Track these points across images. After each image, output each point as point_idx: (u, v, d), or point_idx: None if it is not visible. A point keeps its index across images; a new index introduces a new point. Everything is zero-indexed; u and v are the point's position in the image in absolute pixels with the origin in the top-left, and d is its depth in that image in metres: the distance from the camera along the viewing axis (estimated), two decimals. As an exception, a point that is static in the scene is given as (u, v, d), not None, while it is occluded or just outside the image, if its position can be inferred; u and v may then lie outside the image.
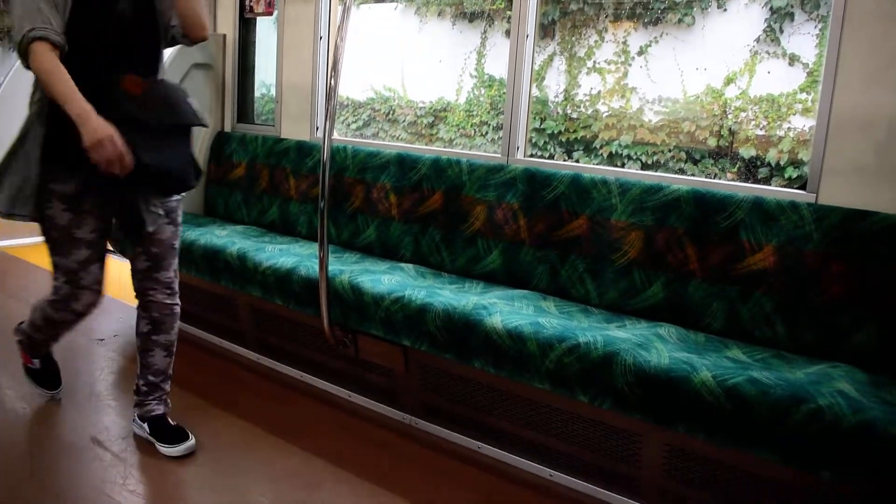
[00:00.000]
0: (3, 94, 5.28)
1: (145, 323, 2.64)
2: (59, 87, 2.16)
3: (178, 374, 3.30)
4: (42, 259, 5.14)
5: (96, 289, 2.48)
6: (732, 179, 7.10)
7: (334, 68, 2.72)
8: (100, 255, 2.49)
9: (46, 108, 2.28)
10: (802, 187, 2.60)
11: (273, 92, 4.30)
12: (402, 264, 3.23)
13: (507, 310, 2.57)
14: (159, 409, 2.69)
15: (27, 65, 2.21)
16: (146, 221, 2.47)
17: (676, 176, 3.06)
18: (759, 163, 7.13)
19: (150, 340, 2.65)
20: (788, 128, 7.02)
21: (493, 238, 3.09)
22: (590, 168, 3.09)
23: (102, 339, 3.70)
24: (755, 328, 2.50)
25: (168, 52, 4.15)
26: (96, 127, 2.15)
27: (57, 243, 2.41)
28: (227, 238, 3.49)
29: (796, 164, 6.89)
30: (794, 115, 6.99)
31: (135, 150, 2.21)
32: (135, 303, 2.68)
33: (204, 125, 2.52)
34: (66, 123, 2.17)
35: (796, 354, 2.37)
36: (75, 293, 2.44)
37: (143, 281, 2.60)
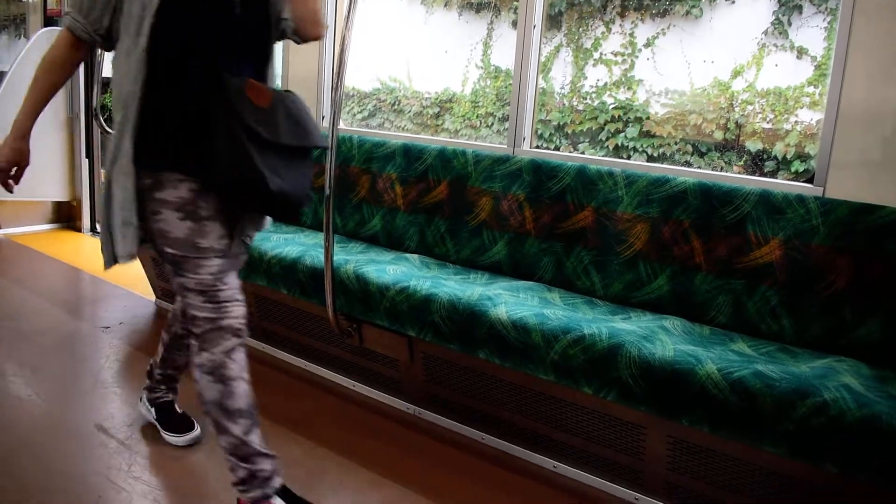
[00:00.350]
0: (10, 80, 5.28)
1: (182, 326, 2.46)
2: (35, 87, 2.10)
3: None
4: (48, 247, 5.19)
5: (239, 298, 2.10)
6: (739, 173, 7.08)
7: (340, 59, 2.71)
8: (233, 263, 2.14)
9: (135, 119, 1.96)
10: (809, 181, 2.60)
11: (279, 82, 4.30)
12: (408, 255, 3.23)
13: (511, 301, 2.57)
14: (168, 396, 2.68)
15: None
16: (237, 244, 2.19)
17: (683, 168, 3.06)
18: (765, 156, 7.10)
19: (183, 344, 2.51)
20: (795, 121, 6.99)
21: (499, 229, 3.09)
22: (596, 160, 3.08)
23: (108, 327, 3.71)
24: (761, 322, 2.50)
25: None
26: (5, 151, 2.20)
27: (180, 260, 2.02)
28: (233, 227, 3.49)
29: (803, 157, 6.87)
30: (802, 108, 6.96)
31: (259, 174, 1.91)
32: (141, 291, 2.67)
33: (327, 147, 2.30)
34: (163, 120, 1.96)
35: (802, 348, 2.37)
36: (218, 310, 2.04)
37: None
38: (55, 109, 5.56)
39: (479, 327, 2.48)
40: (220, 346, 2.03)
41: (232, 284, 2.07)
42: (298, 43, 2.19)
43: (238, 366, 2.06)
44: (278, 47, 4.16)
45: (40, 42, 5.43)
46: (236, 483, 2.05)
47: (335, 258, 2.91)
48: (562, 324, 2.36)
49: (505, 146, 3.25)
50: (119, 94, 1.98)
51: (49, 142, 5.58)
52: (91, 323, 3.82)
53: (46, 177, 5.63)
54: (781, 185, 2.62)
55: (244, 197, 2.00)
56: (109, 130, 4.13)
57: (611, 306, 2.70)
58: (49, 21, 5.94)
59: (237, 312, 2.07)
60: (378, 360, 3.00)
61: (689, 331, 2.46)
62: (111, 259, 2.05)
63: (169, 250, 2.00)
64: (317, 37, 2.16)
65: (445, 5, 8.74)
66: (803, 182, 2.64)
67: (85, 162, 5.70)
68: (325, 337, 3.16)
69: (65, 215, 5.89)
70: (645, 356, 2.18)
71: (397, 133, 6.55)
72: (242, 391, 2.06)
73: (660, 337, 2.30)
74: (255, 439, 2.05)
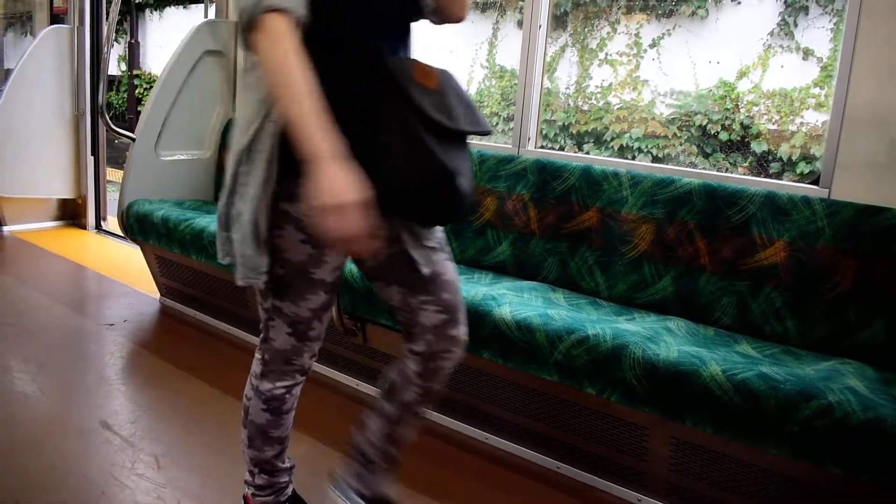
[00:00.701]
0: (16, 77, 5.31)
1: (417, 392, 1.89)
2: (292, 89, 1.44)
3: (187, 359, 3.33)
4: (53, 244, 5.20)
5: (321, 338, 1.88)
6: (744, 174, 7.07)
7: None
8: (333, 299, 1.84)
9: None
10: (815, 182, 2.59)
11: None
12: (412, 254, 3.22)
13: (516, 301, 2.57)
14: (388, 488, 2.07)
15: (249, 46, 1.51)
16: (419, 262, 1.75)
17: (688, 169, 3.06)
18: (770, 157, 7.10)
19: (414, 413, 1.94)
20: (801, 122, 6.99)
21: (503, 229, 3.09)
22: (601, 160, 3.08)
23: (112, 325, 3.72)
24: (765, 323, 2.49)
25: (180, 39, 4.18)
26: (339, 182, 1.43)
27: (286, 285, 1.72)
28: (237, 226, 3.49)
29: (808, 159, 6.86)
30: (808, 109, 6.96)
31: (448, 173, 1.56)
32: (145, 288, 2.64)
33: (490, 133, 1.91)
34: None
35: (806, 350, 2.37)
36: (299, 348, 1.83)
37: (437, 341, 1.81)
38: (61, 107, 5.58)
39: (483, 327, 2.48)
40: (285, 382, 1.87)
41: (325, 321, 1.84)
42: (437, 24, 1.87)
43: (294, 399, 1.92)
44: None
45: (47, 40, 5.45)
46: (251, 485, 2.00)
47: (339, 257, 2.91)
48: (566, 324, 2.36)
49: (510, 146, 3.25)
50: (254, 99, 1.59)
51: (55, 139, 5.59)
52: (95, 320, 3.83)
53: (52, 174, 5.65)
54: (787, 186, 2.62)
55: (424, 204, 1.62)
56: (115, 128, 4.17)
57: (615, 307, 2.69)
58: (55, 19, 5.96)
59: (315, 351, 1.88)
60: (382, 360, 3.00)
61: (694, 332, 2.45)
62: (248, 275, 1.67)
63: (278, 270, 1.69)
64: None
65: (450, 5, 8.74)
66: (809, 184, 2.64)
67: (90, 159, 5.72)
68: (329, 336, 3.15)
69: (70, 212, 5.90)
70: (649, 357, 2.17)
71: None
72: (289, 422, 1.95)
73: (664, 338, 2.30)
74: (283, 458, 2.00)
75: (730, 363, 2.11)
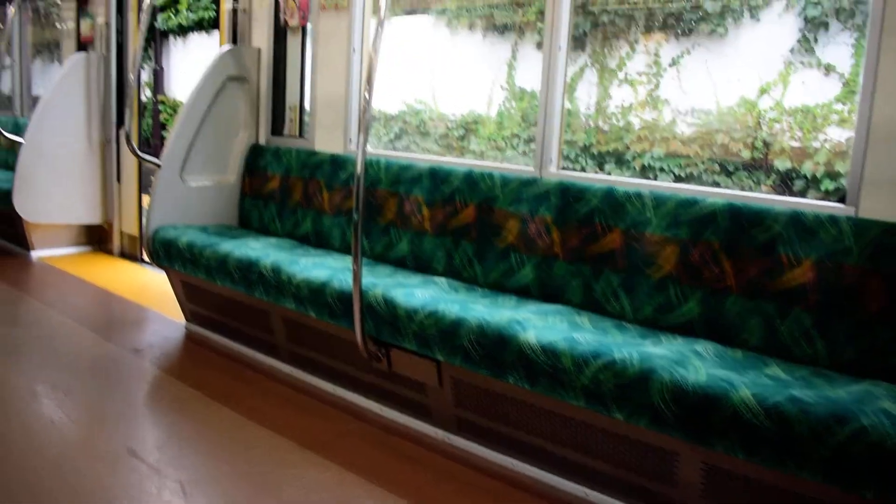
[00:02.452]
0: (46, 104, 5.40)
1: None
2: None
3: (213, 385, 3.34)
4: (80, 269, 5.26)
5: None
6: (767, 192, 7.02)
7: (368, 81, 2.73)
8: None
9: None
10: (841, 200, 2.56)
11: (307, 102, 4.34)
12: (435, 278, 3.22)
13: (541, 325, 2.55)
14: None
15: None
16: None
17: (712, 189, 3.03)
18: (794, 175, 7.03)
19: None
20: (824, 139, 6.92)
21: (527, 252, 3.08)
22: (624, 181, 3.06)
23: (138, 350, 3.75)
24: (794, 345, 2.46)
25: (205, 65, 4.23)
26: None
27: None
28: (262, 250, 3.52)
29: (833, 176, 6.79)
30: (831, 126, 6.89)
31: None
32: (171, 313, 2.65)
33: None
34: None
35: (837, 372, 2.33)
36: None
37: None
38: (88, 133, 5.67)
39: (509, 352, 2.47)
40: None
41: None
42: None
43: None
44: (306, 69, 4.20)
45: (74, 67, 5.55)
46: None
47: (363, 281, 2.91)
48: (592, 348, 2.34)
49: (531, 168, 3.25)
50: None
51: (82, 166, 5.68)
52: (122, 345, 3.85)
53: (79, 200, 5.73)
54: (812, 205, 2.59)
55: None
56: (141, 155, 4.22)
57: (641, 330, 2.67)
58: (82, 46, 6.07)
59: None
60: (407, 385, 2.99)
61: (722, 355, 2.42)
62: None
63: None
64: None
65: (470, 27, 8.79)
66: (835, 201, 2.61)
67: (116, 186, 5.79)
68: (353, 361, 3.16)
69: (96, 238, 5.98)
70: (677, 381, 2.15)
71: (424, 156, 6.59)
72: None
73: (692, 361, 2.27)
74: None
75: (760, 386, 2.08)
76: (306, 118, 4.36)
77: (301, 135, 4.39)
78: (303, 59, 4.41)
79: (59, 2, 6.53)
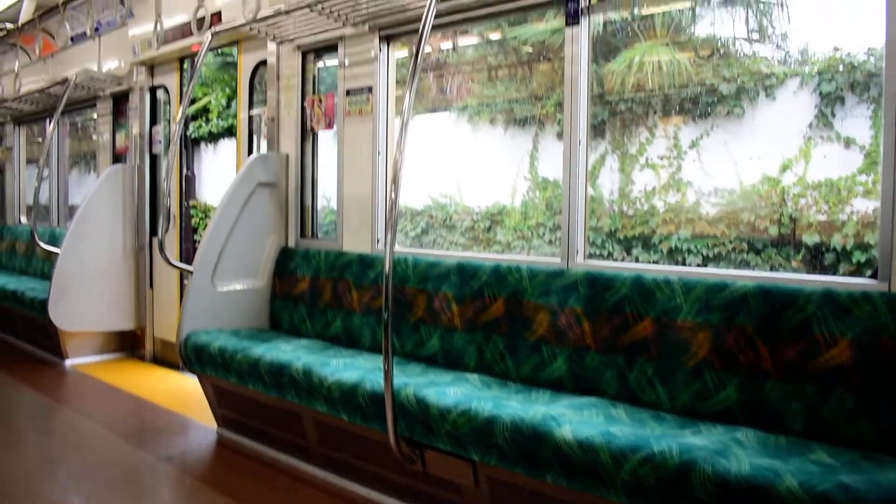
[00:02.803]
0: (83, 214, 5.57)
1: None
2: None
3: (243, 491, 3.30)
4: (113, 376, 5.30)
5: None
6: (798, 268, 6.95)
7: (394, 181, 2.79)
8: None
9: None
10: (874, 276, 2.53)
11: (334, 204, 4.43)
12: (467, 374, 3.20)
13: (576, 419, 2.51)
14: None
15: None
16: None
17: (741, 272, 3.01)
18: (824, 249, 6.98)
19: None
20: (851, 211, 6.89)
21: (558, 344, 3.06)
22: (652, 269, 3.05)
23: (171, 458, 3.73)
24: (838, 428, 2.39)
25: (234, 174, 4.36)
26: None
27: None
28: (293, 353, 3.53)
29: (863, 247, 6.72)
30: (856, 197, 6.87)
31: None
32: (203, 419, 2.63)
33: None
34: None
35: (886, 454, 2.25)
36: None
37: None
38: (122, 241, 5.82)
39: (545, 449, 2.42)
40: None
41: None
42: None
43: None
44: (332, 170, 4.32)
45: (109, 178, 5.75)
46: None
47: (395, 381, 2.89)
48: (630, 441, 2.29)
49: (558, 259, 3.26)
50: None
51: (116, 273, 5.81)
52: (154, 453, 3.84)
53: (112, 307, 5.82)
54: (844, 283, 2.56)
55: None
56: (173, 262, 4.31)
57: (679, 419, 2.61)
58: (117, 158, 6.30)
59: None
60: (442, 486, 2.93)
61: (764, 442, 2.36)
62: None
63: None
64: None
65: (491, 122, 9.01)
66: (868, 277, 2.58)
67: (149, 292, 5.89)
68: (387, 463, 3.11)
69: (128, 344, 6.04)
70: (720, 472, 2.08)
71: (451, 252, 6.64)
72: None
73: (733, 451, 2.21)
74: None
75: (806, 474, 2.01)
76: (324, 219, 4.46)
77: (314, 236, 4.49)
78: (314, 161, 4.57)
79: (95, 116, 6.82)
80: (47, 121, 7.69)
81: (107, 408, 4.69)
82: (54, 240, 6.37)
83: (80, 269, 5.60)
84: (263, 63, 4.77)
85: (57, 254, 5.56)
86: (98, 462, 3.63)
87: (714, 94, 7.48)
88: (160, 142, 5.68)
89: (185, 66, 5.62)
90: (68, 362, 5.69)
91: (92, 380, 5.31)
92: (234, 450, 3.88)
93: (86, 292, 5.63)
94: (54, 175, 7.75)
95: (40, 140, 8.70)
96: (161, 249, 4.32)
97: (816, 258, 7.00)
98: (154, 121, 5.91)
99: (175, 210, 5.46)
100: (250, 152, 5.08)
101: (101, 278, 5.72)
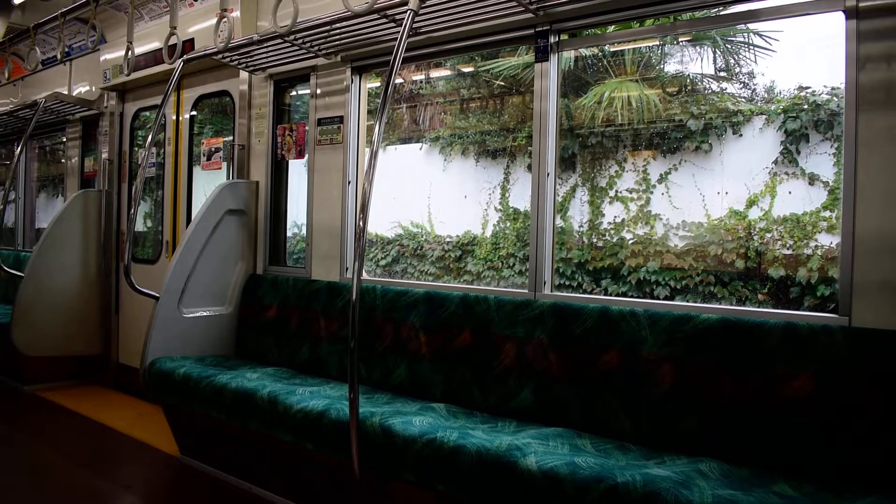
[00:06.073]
0: (48, 237, 5.49)
1: None
2: None
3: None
4: (74, 402, 5.18)
5: None
6: (763, 300, 7.03)
7: (363, 210, 2.79)
8: None
9: None
10: (834, 309, 2.57)
11: (304, 232, 4.42)
12: (434, 404, 3.19)
13: (541, 450, 2.51)
14: None
15: None
16: None
17: (705, 305, 3.05)
18: (789, 282, 7.07)
19: None
20: (815, 246, 7.01)
21: (524, 375, 3.06)
22: (618, 301, 3.08)
23: (130, 486, 3.65)
24: (800, 458, 2.41)
25: (204, 199, 4.35)
26: None
27: None
28: (259, 381, 3.49)
29: (827, 281, 6.83)
30: (820, 232, 7.00)
31: None
32: (164, 445, 2.58)
33: None
34: None
35: (846, 483, 2.27)
36: None
37: None
38: (87, 266, 5.74)
39: (509, 480, 2.41)
40: None
41: None
42: None
43: None
44: (302, 199, 4.33)
45: (76, 202, 5.68)
46: None
47: (361, 410, 2.87)
48: (594, 472, 2.29)
49: (526, 291, 3.28)
50: None
51: (80, 298, 5.71)
52: (113, 482, 3.76)
53: (76, 332, 5.72)
54: (806, 316, 2.60)
55: None
56: (139, 288, 4.25)
57: (643, 450, 2.62)
58: (85, 182, 6.24)
59: None
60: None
61: (727, 473, 2.37)
62: None
63: None
64: None
65: (463, 153, 9.06)
66: (829, 312, 2.62)
67: (114, 318, 5.80)
68: (352, 493, 3.07)
69: (92, 370, 5.92)
70: (682, 504, 2.09)
71: (420, 282, 6.62)
72: None
73: (697, 482, 2.22)
74: None
75: (767, 508, 2.03)
76: (294, 247, 4.45)
77: (284, 263, 4.49)
78: (285, 189, 4.63)
79: (64, 139, 6.76)
80: (15, 144, 7.61)
81: (66, 435, 4.59)
82: (19, 263, 6.27)
83: (44, 293, 5.51)
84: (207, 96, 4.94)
85: (21, 277, 5.47)
86: (54, 491, 3.55)
87: (682, 130, 7.60)
88: (153, 164, 5.63)
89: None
90: (28, 388, 5.57)
91: (53, 406, 5.20)
92: (195, 477, 3.81)
93: (49, 317, 5.54)
94: (21, 199, 7.64)
95: (7, 163, 8.60)
96: (126, 275, 4.27)
97: (782, 291, 7.10)
98: (121, 146, 5.87)
99: (168, 237, 5.40)
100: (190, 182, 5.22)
101: (65, 303, 5.63)
